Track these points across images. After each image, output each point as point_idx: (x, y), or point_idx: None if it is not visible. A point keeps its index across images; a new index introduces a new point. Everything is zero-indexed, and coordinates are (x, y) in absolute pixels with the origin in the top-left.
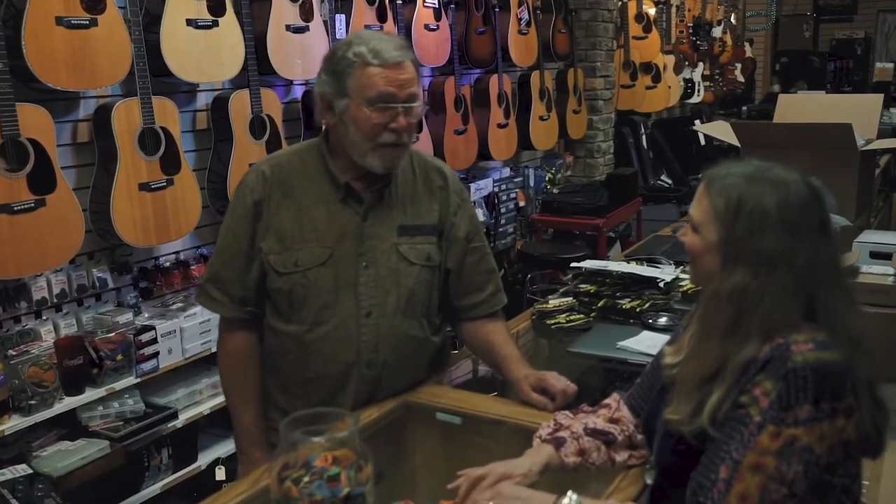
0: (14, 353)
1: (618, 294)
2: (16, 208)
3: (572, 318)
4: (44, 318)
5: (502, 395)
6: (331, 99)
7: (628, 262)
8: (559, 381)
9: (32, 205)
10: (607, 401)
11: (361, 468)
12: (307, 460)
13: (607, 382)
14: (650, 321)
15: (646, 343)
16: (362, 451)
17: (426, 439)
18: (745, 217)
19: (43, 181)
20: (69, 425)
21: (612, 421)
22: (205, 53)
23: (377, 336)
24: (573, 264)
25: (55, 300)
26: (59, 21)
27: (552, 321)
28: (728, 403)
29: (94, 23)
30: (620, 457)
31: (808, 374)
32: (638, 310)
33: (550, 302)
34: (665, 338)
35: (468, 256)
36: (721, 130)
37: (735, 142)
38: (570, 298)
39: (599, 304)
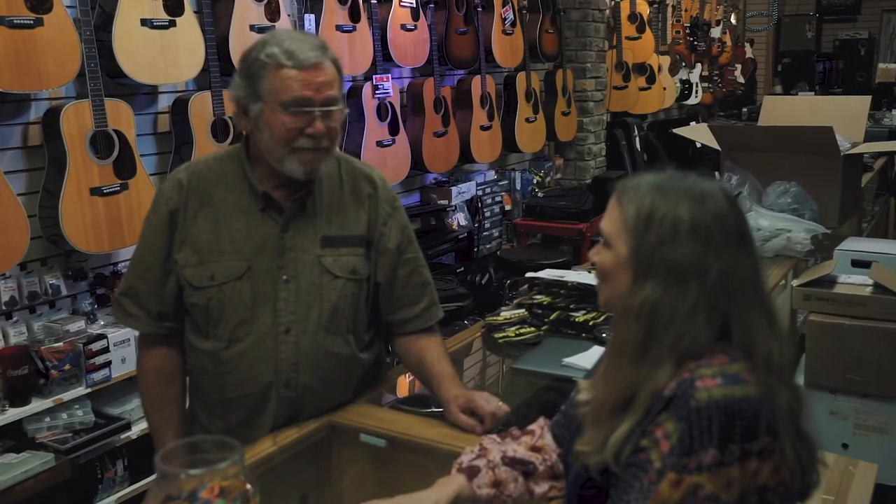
0: None
1: (572, 306)
2: None
3: (522, 331)
4: (15, 319)
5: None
6: (245, 103)
7: (590, 272)
8: (489, 403)
9: None
10: (532, 426)
11: (248, 500)
12: (193, 491)
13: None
14: (603, 336)
15: (594, 359)
16: (251, 482)
17: (353, 462)
18: (656, 225)
19: None
20: (17, 437)
21: (535, 449)
22: (161, 54)
23: (297, 354)
24: (528, 274)
25: (4, 307)
26: (1, 21)
27: (500, 335)
28: (634, 440)
29: (39, 22)
30: (540, 488)
31: (713, 414)
32: (591, 323)
33: (501, 314)
34: None
35: (399, 269)
36: (701, 134)
37: (716, 145)
38: (522, 310)
39: (552, 317)
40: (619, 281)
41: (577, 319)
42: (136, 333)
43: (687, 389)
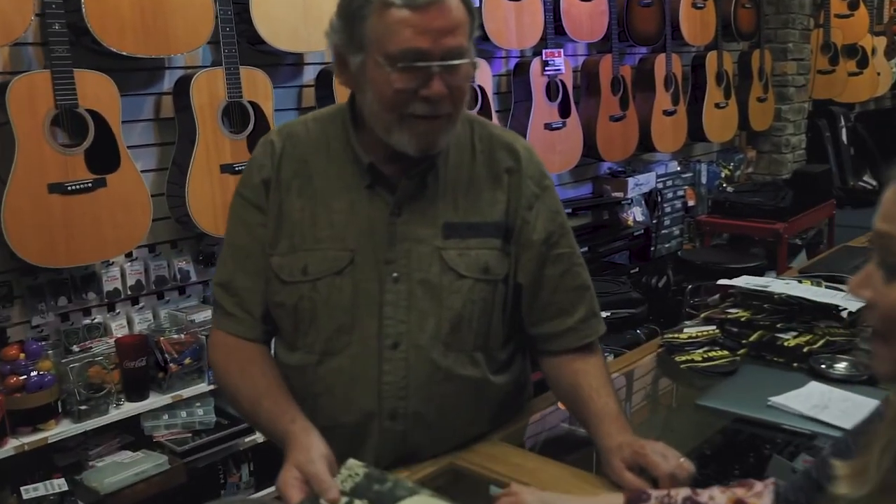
0: (77, 350)
1: (779, 325)
2: (70, 188)
3: (711, 354)
4: (117, 311)
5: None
6: (343, 53)
7: (800, 282)
8: (666, 460)
9: (90, 185)
10: (753, 481)
11: None
12: None
13: (758, 453)
14: (822, 367)
15: (812, 402)
16: None
17: None
18: None
19: (104, 159)
20: (135, 434)
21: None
22: (303, 19)
23: (406, 377)
24: (721, 281)
25: (129, 292)
26: None
27: (683, 358)
28: None
29: None
30: None
31: None
32: (806, 349)
33: (685, 331)
34: (844, 395)
35: (548, 267)
36: None
37: None
38: (713, 327)
39: (751, 338)
40: None
41: (786, 343)
42: None
43: None
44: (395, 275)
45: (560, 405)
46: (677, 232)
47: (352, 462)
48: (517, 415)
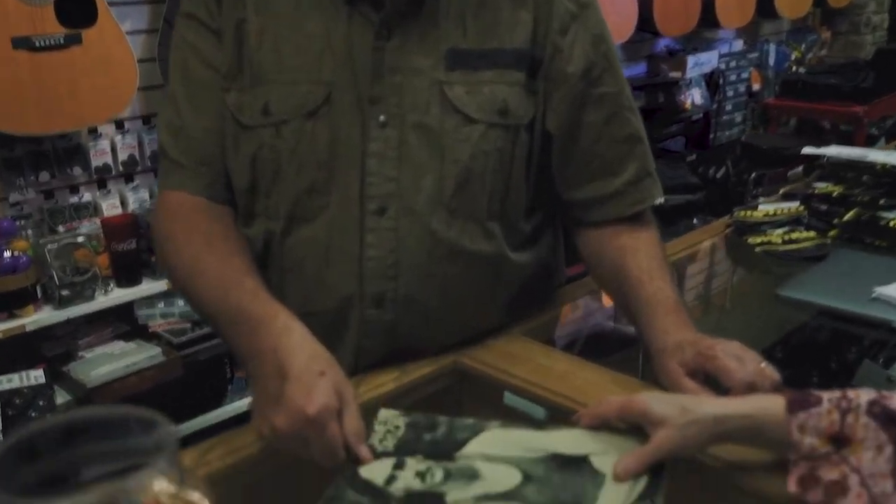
0: (63, 231)
1: (881, 202)
2: (38, 44)
3: (794, 236)
4: (108, 189)
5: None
6: None
7: None
8: (743, 365)
9: (62, 40)
10: None
11: None
12: None
13: (857, 349)
14: None
15: None
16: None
17: None
18: None
19: (78, 11)
20: (130, 323)
21: None
22: None
23: (395, 251)
24: (806, 149)
25: (121, 168)
26: None
27: (759, 239)
28: None
29: None
30: None
31: None
32: None
33: (760, 207)
34: None
35: (588, 110)
36: None
37: None
38: (796, 204)
39: (845, 217)
40: None
41: (889, 223)
42: None
43: None
44: (381, 118)
45: (604, 301)
46: (739, 118)
47: (385, 413)
48: (544, 306)
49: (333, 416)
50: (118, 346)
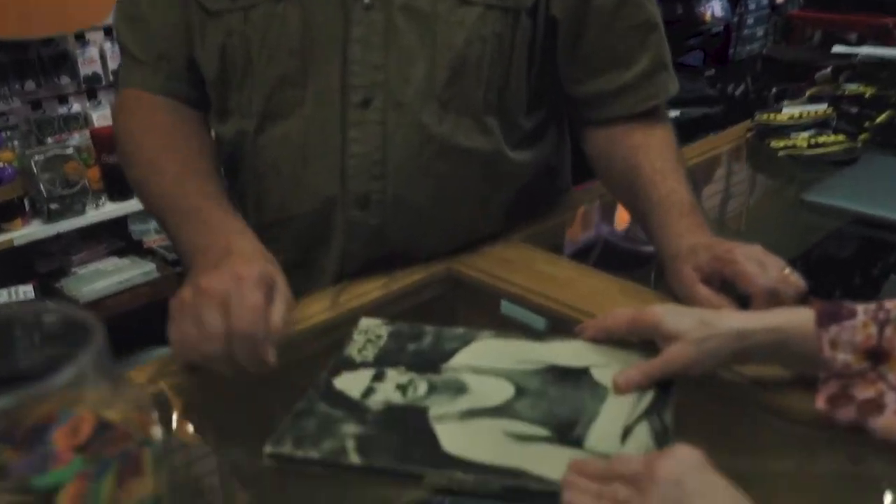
0: (51, 143)
1: None
2: None
3: (822, 140)
4: (99, 100)
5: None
6: None
7: None
8: (765, 271)
9: None
10: None
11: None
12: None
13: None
14: None
15: None
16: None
17: None
18: None
19: None
20: (125, 239)
21: None
22: None
23: (382, 148)
24: (837, 47)
25: (111, 78)
26: None
27: (782, 143)
28: None
29: None
30: None
31: None
32: None
33: (785, 110)
34: None
35: None
36: None
37: None
38: (824, 106)
39: (878, 120)
40: None
41: None
42: None
43: None
44: (365, 0)
45: (617, 221)
46: (761, 33)
47: (366, 322)
48: (547, 211)
49: (262, 290)
50: (112, 262)
